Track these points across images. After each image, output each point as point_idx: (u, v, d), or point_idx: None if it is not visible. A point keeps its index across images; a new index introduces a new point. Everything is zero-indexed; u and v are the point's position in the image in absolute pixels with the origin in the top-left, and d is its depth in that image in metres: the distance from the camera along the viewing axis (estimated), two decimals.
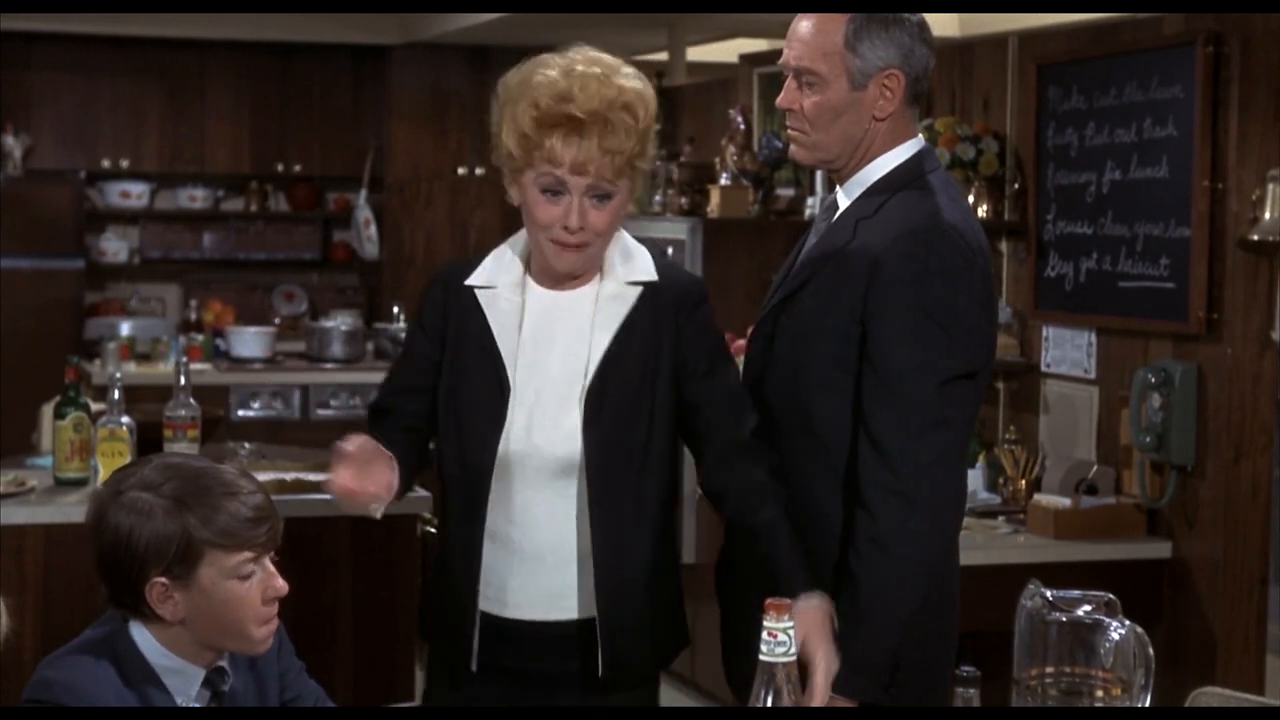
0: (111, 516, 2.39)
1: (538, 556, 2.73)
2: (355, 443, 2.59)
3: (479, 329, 2.78)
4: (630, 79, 2.71)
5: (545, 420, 2.73)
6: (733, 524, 2.79)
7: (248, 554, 2.40)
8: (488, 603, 2.75)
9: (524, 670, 2.76)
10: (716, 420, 2.74)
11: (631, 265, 2.79)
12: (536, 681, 2.77)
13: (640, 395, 2.73)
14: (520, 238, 2.83)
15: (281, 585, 2.44)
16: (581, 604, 2.73)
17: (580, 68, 2.68)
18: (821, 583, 2.64)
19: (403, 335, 7.16)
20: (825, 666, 2.53)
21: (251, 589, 2.41)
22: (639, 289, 2.77)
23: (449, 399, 2.79)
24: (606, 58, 2.73)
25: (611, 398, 2.71)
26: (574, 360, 2.75)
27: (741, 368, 2.86)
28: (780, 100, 2.77)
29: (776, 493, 2.69)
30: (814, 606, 2.57)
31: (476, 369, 2.76)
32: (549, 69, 2.69)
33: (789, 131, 2.77)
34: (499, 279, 2.81)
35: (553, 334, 2.77)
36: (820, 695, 2.51)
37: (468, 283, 2.81)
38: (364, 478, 2.58)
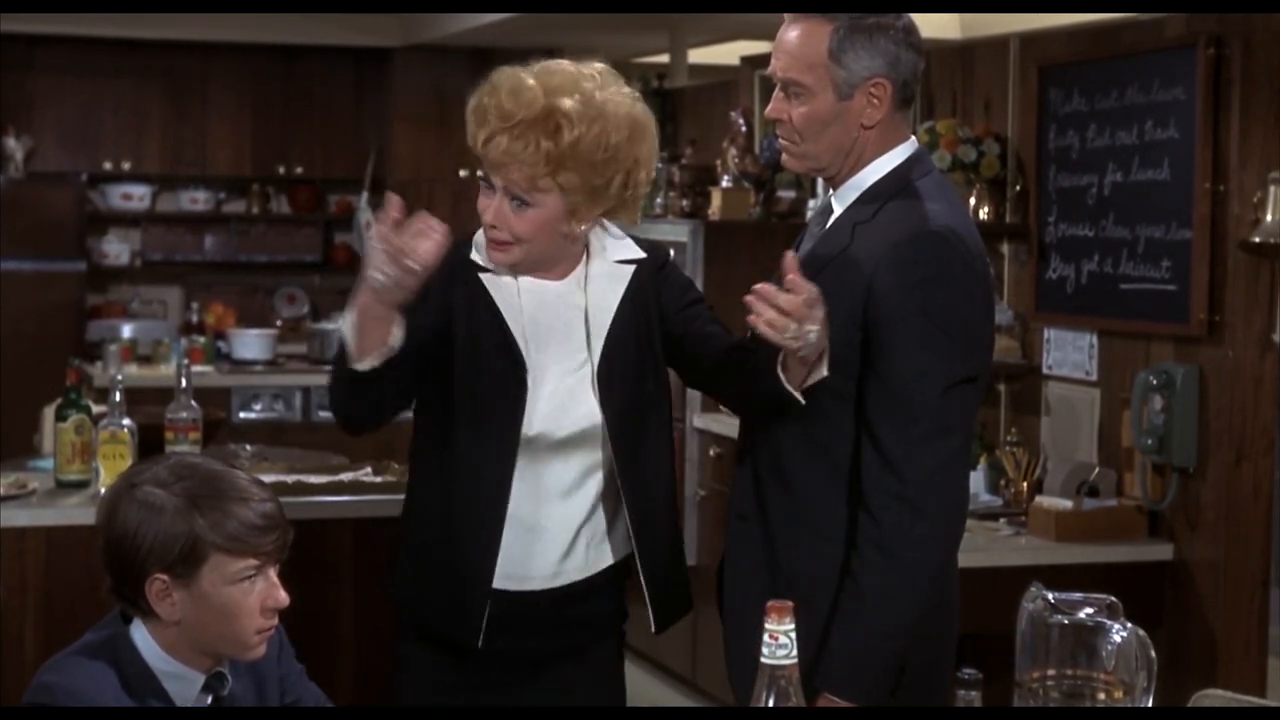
0: (122, 509, 2.40)
1: (545, 528, 2.83)
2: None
3: (488, 312, 2.82)
4: (572, 101, 2.72)
5: (563, 402, 2.81)
6: (737, 395, 2.85)
7: (252, 561, 2.40)
8: (507, 580, 2.82)
9: (536, 645, 2.87)
10: (706, 335, 2.86)
11: (618, 246, 2.90)
12: (543, 653, 2.89)
13: (642, 362, 2.85)
14: None
15: (283, 597, 2.44)
16: (566, 572, 2.86)
17: (530, 80, 2.73)
18: (824, 584, 2.65)
19: None
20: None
21: (252, 597, 2.41)
22: (631, 267, 2.88)
23: (465, 383, 2.81)
24: (577, 73, 2.77)
25: (618, 370, 2.82)
26: (577, 341, 2.83)
27: None
28: (768, 111, 2.77)
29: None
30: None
31: (491, 353, 2.80)
32: (520, 66, 2.77)
33: (780, 141, 2.77)
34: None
35: (552, 319, 2.84)
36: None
37: (474, 257, 2.84)
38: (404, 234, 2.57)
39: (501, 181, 2.75)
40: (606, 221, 2.89)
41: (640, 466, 2.85)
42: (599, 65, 2.83)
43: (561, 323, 2.84)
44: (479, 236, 2.87)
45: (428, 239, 2.58)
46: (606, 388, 2.82)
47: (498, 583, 2.82)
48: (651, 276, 2.90)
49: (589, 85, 2.76)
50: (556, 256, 2.84)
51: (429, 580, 2.88)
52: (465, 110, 2.80)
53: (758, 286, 2.46)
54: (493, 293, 2.84)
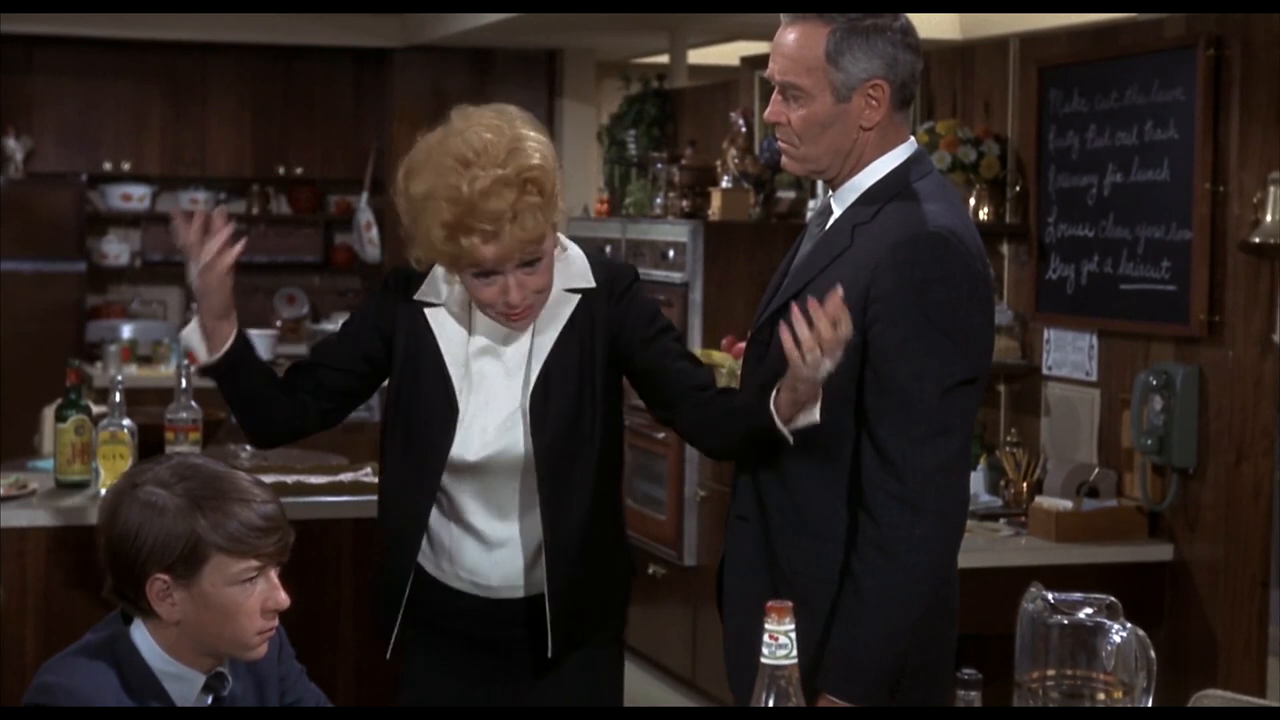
0: (124, 509, 2.41)
1: (500, 541, 2.89)
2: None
3: (429, 346, 2.88)
4: (527, 152, 2.74)
5: (492, 432, 2.86)
6: (717, 436, 2.83)
7: (253, 562, 2.40)
8: (462, 584, 2.92)
9: (491, 638, 2.94)
10: (675, 371, 2.86)
11: (568, 271, 2.89)
12: (502, 648, 2.95)
13: (581, 394, 2.87)
14: None
15: (283, 599, 2.44)
16: (530, 584, 2.90)
17: (479, 171, 2.69)
18: (823, 584, 2.65)
19: None
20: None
21: (252, 598, 2.41)
22: (577, 296, 2.89)
23: (398, 408, 2.91)
24: (500, 133, 2.74)
25: (554, 403, 2.85)
26: (517, 373, 2.87)
27: (739, 373, 2.87)
28: (767, 114, 2.77)
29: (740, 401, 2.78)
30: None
31: (429, 386, 2.87)
32: (448, 177, 2.71)
33: (779, 144, 2.77)
34: (447, 295, 2.90)
35: (499, 353, 2.89)
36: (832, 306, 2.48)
37: (416, 298, 2.90)
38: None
39: (512, 263, 2.75)
40: (565, 240, 2.91)
41: (564, 499, 2.86)
42: (476, 109, 2.81)
43: (504, 360, 2.88)
44: (438, 281, 2.89)
45: (214, 236, 2.72)
46: (538, 420, 2.84)
47: (455, 583, 2.91)
48: (609, 304, 2.89)
49: (515, 129, 2.76)
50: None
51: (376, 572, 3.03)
52: (416, 236, 2.77)
53: (811, 301, 2.47)
54: (436, 331, 2.89)
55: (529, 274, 2.78)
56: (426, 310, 2.90)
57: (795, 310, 2.48)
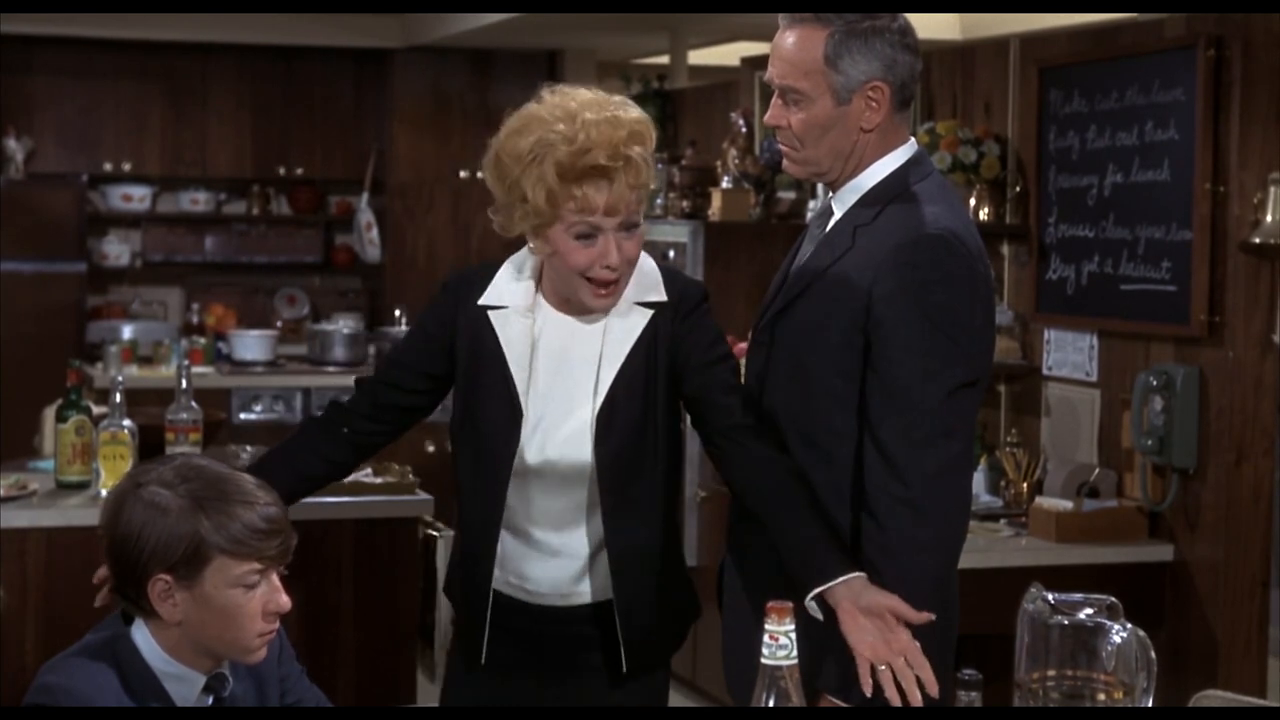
0: (127, 509, 2.41)
1: (554, 550, 2.85)
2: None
3: (492, 351, 2.84)
4: (628, 108, 2.77)
5: (558, 440, 2.81)
6: (751, 510, 2.79)
7: (255, 565, 2.40)
8: (512, 589, 2.89)
9: (543, 656, 2.90)
10: (721, 406, 2.79)
11: (642, 285, 2.84)
12: (555, 669, 2.91)
13: (646, 407, 2.82)
14: (529, 256, 2.87)
15: (285, 601, 2.44)
16: (595, 589, 2.86)
17: (589, 115, 2.71)
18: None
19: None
20: (890, 600, 2.52)
21: (253, 600, 2.41)
22: (650, 312, 2.84)
23: (465, 415, 2.88)
24: (597, 94, 2.78)
25: (620, 416, 2.80)
26: (585, 382, 2.82)
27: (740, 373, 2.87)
28: (767, 118, 2.77)
29: (782, 470, 2.70)
30: (847, 590, 2.55)
31: (491, 391, 2.84)
32: (555, 126, 2.71)
33: (780, 147, 2.77)
34: (511, 299, 2.86)
35: (565, 357, 2.84)
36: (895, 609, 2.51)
37: (480, 303, 2.86)
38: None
39: (617, 219, 2.73)
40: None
41: (626, 511, 2.82)
42: (570, 90, 2.82)
43: (571, 365, 2.83)
44: (501, 284, 2.87)
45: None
46: (604, 432, 2.80)
47: (508, 590, 2.88)
48: (673, 323, 2.84)
49: (605, 98, 2.80)
50: None
51: (454, 587, 3.01)
52: (522, 192, 2.72)
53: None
54: (500, 335, 2.85)
55: (627, 238, 2.75)
56: (491, 314, 2.86)
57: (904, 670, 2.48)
